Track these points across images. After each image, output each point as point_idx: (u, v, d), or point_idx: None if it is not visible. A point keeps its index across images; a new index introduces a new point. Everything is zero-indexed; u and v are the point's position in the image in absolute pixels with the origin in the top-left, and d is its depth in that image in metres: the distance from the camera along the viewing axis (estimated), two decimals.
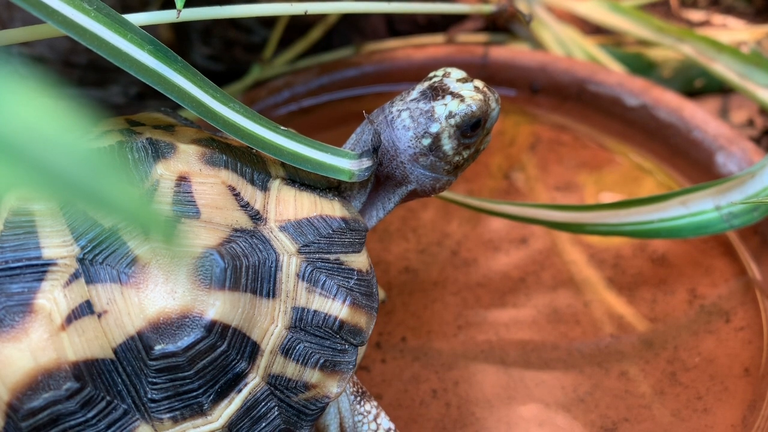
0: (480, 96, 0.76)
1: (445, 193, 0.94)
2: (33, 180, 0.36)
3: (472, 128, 0.76)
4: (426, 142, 0.76)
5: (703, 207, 0.93)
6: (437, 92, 0.77)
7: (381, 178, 0.79)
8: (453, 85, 0.77)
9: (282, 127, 0.74)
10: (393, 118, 0.77)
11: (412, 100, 0.77)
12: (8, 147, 0.36)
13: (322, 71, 1.21)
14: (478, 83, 0.78)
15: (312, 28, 1.30)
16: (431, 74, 0.80)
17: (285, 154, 0.72)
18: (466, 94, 0.76)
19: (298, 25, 1.29)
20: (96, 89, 1.19)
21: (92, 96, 1.19)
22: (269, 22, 1.27)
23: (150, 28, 0.71)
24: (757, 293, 0.95)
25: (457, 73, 0.79)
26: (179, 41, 1.24)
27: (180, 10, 0.73)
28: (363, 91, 1.22)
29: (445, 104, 0.75)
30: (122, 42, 0.67)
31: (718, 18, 1.40)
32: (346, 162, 0.75)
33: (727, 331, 0.92)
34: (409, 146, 0.76)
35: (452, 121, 0.75)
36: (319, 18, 1.29)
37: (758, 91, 1.07)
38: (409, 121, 0.76)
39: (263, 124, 0.73)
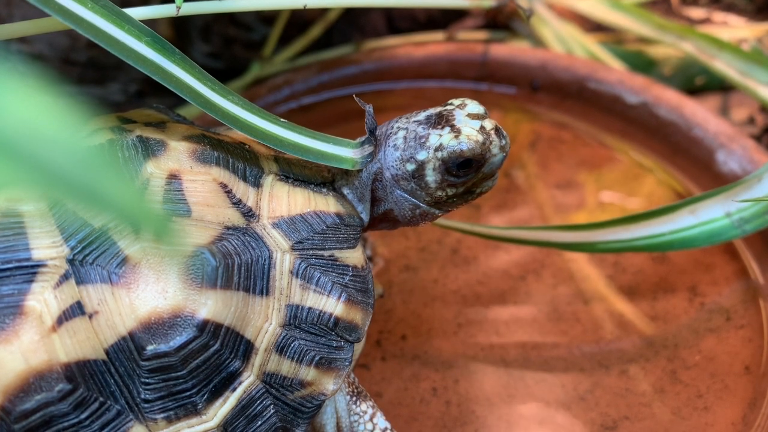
0: (479, 138, 0.72)
1: (454, 223, 0.94)
2: (29, 177, 0.36)
3: (459, 167, 0.72)
4: (410, 167, 0.73)
5: (713, 215, 0.92)
6: (440, 121, 0.73)
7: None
8: (460, 117, 0.73)
9: (282, 119, 0.74)
10: (390, 134, 0.75)
11: (415, 121, 0.74)
12: (4, 144, 0.36)
13: (322, 69, 1.20)
14: (488, 124, 0.73)
15: (312, 26, 1.29)
16: (451, 100, 0.76)
17: (286, 145, 0.72)
18: (465, 131, 0.72)
19: (298, 22, 1.29)
20: (95, 87, 1.19)
21: (92, 94, 1.19)
22: (269, 19, 1.27)
23: (150, 25, 0.71)
24: (758, 291, 0.95)
25: (473, 107, 0.75)
26: (179, 38, 1.24)
27: (179, 7, 0.73)
28: (363, 89, 1.21)
29: (440, 135, 0.72)
30: (120, 33, 0.67)
31: (718, 15, 1.39)
32: (348, 151, 0.74)
33: (728, 329, 0.92)
34: (392, 166, 0.74)
35: (439, 155, 0.72)
36: (318, 15, 1.29)
37: (759, 88, 1.06)
38: (400, 142, 0.74)
39: (262, 116, 0.72)
